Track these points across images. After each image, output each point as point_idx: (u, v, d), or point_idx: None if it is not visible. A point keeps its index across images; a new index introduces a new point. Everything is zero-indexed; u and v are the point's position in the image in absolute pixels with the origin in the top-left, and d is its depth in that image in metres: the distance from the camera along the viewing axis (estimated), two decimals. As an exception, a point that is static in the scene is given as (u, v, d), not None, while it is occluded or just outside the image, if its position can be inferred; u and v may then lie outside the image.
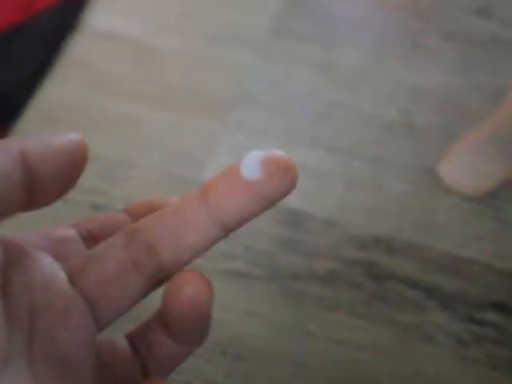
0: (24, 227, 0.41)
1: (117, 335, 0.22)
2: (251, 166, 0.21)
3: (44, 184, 0.19)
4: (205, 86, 0.47)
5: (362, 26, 0.50)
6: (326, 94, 0.47)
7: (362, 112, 0.46)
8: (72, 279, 0.21)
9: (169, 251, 0.21)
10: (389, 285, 0.40)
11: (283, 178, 0.21)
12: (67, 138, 0.20)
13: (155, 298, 0.24)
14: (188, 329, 0.20)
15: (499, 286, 0.40)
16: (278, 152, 0.21)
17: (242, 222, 0.21)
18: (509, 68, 0.48)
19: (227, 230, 0.21)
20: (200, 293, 0.20)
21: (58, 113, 0.46)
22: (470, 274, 0.40)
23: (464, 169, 0.43)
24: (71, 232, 0.23)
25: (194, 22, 0.50)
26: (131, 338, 0.22)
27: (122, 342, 0.22)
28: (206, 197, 0.21)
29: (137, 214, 0.24)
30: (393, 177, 0.44)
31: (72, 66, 0.47)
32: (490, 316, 0.39)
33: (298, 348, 0.38)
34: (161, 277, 0.21)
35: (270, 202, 0.21)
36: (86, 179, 0.43)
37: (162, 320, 0.21)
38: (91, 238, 0.24)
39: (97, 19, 0.49)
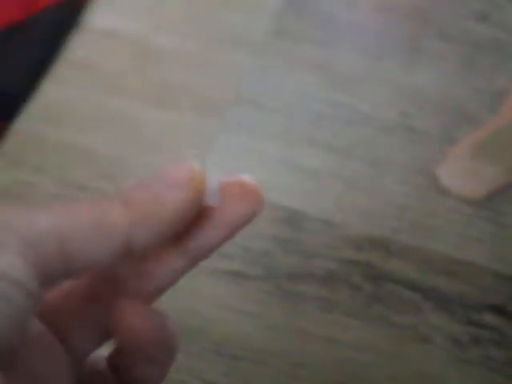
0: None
1: (101, 357, 0.22)
2: (210, 191, 0.20)
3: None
4: (204, 86, 0.47)
5: (361, 28, 0.50)
6: (326, 95, 0.47)
7: (361, 113, 0.46)
8: (42, 315, 0.21)
9: (133, 284, 0.21)
10: (386, 286, 0.40)
11: (243, 202, 0.20)
12: (174, 197, 0.19)
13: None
14: (142, 353, 0.20)
15: (497, 288, 0.40)
16: (241, 176, 0.21)
17: (207, 249, 0.21)
18: (508, 72, 0.48)
19: (193, 260, 0.21)
20: (135, 321, 0.19)
21: (56, 111, 0.46)
22: (467, 277, 0.40)
23: (463, 172, 0.43)
24: None
25: (195, 22, 0.50)
26: (110, 360, 0.22)
27: (104, 364, 0.22)
28: (175, 238, 0.20)
29: None
30: (392, 179, 0.44)
31: (72, 64, 0.47)
32: (488, 318, 0.39)
33: (294, 348, 0.38)
34: None
35: (233, 228, 0.20)
36: (85, 177, 0.43)
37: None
38: None
39: (97, 18, 0.49)
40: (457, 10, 0.50)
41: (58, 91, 0.46)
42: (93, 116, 0.46)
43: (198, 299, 0.39)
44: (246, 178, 0.21)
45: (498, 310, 0.39)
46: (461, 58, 0.49)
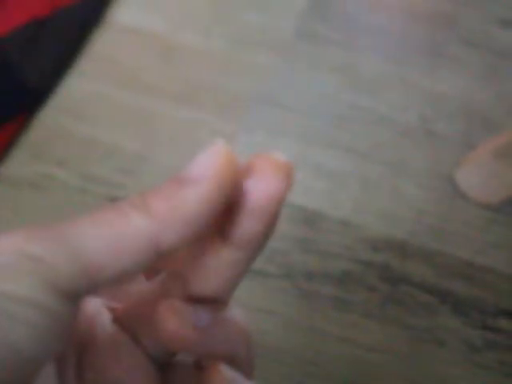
0: (39, 219, 0.42)
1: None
2: None
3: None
4: (226, 85, 0.47)
5: (385, 31, 0.50)
6: (347, 97, 0.47)
7: (381, 116, 0.46)
8: (119, 320, 0.22)
9: (194, 284, 0.21)
10: (402, 288, 0.40)
11: (270, 179, 0.19)
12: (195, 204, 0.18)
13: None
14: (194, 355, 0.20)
15: (513, 294, 0.40)
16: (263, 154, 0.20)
17: (250, 235, 0.20)
18: (529, 78, 0.48)
19: (241, 248, 0.20)
20: (173, 326, 0.19)
21: (79, 105, 0.46)
22: (483, 281, 0.40)
23: (481, 177, 0.43)
24: None
25: (219, 21, 0.50)
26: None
27: (189, 364, 0.22)
28: (220, 228, 0.20)
29: None
30: (410, 181, 0.44)
31: (95, 59, 0.48)
32: (503, 323, 0.39)
33: (309, 346, 0.38)
34: None
35: (266, 209, 0.19)
36: (105, 171, 0.43)
37: None
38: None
39: (121, 14, 0.50)
40: (481, 16, 0.51)
41: (82, 86, 0.47)
42: (114, 111, 0.46)
43: (216, 295, 0.39)
44: (268, 154, 0.20)
45: (514, 316, 0.39)
46: (483, 63, 0.49)
